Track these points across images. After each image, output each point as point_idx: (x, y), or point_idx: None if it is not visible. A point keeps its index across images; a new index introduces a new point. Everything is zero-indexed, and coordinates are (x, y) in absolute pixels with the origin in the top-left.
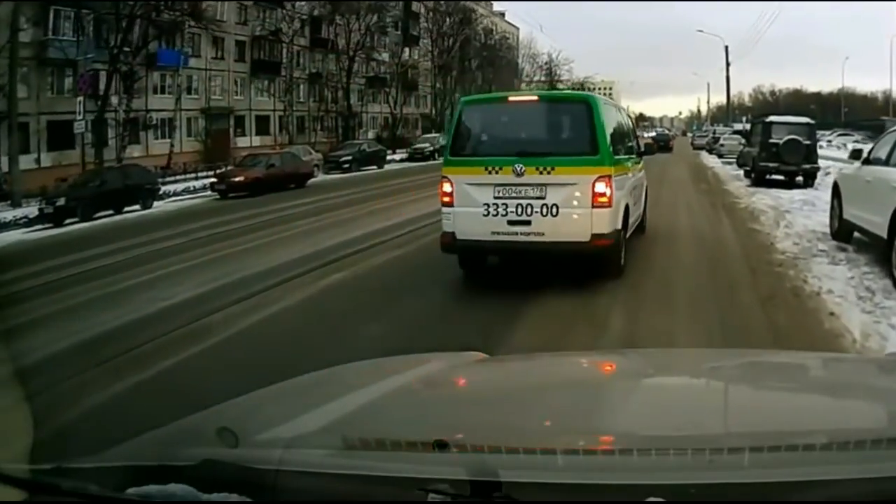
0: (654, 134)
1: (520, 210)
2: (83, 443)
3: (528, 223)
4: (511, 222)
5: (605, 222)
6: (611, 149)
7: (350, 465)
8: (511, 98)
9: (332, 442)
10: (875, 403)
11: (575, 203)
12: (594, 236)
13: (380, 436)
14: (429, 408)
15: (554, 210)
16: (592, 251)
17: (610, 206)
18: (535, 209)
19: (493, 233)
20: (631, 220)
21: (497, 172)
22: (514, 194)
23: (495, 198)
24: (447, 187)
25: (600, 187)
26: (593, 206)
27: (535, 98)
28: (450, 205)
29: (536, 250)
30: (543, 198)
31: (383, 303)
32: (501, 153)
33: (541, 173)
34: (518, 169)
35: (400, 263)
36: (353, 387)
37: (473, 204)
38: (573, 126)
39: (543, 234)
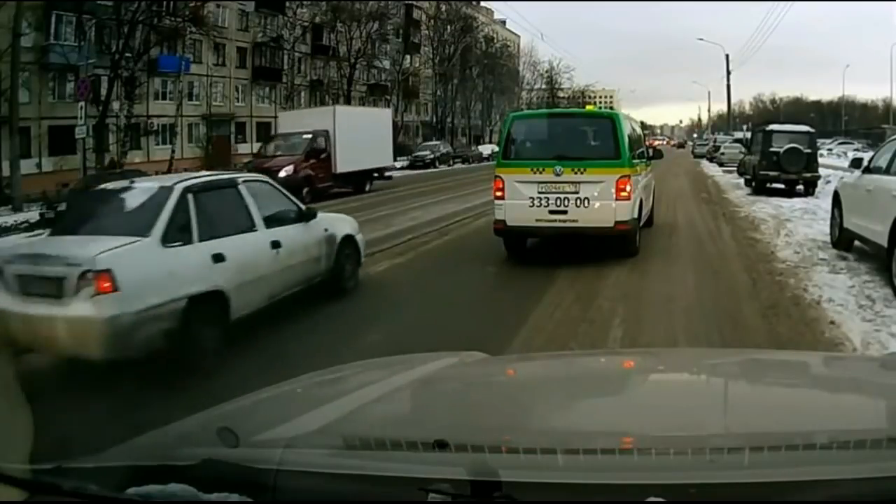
0: (672, 140)
1: (558, 202)
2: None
3: (564, 212)
4: (551, 211)
5: (625, 212)
6: (629, 154)
7: (350, 465)
8: (551, 113)
9: (332, 442)
10: (875, 403)
11: (602, 196)
12: (617, 223)
13: (380, 436)
14: (429, 408)
15: (586, 202)
16: (615, 234)
17: (629, 199)
18: (570, 201)
19: (537, 220)
20: (643, 212)
21: (540, 172)
22: (553, 190)
23: (538, 192)
24: (500, 184)
25: (622, 184)
26: (616, 199)
27: (571, 114)
28: (501, 198)
29: (571, 233)
30: (577, 192)
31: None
32: (544, 157)
33: (575, 173)
34: (557, 170)
35: (402, 271)
36: (353, 387)
37: (521, 197)
38: (600, 136)
39: (577, 221)
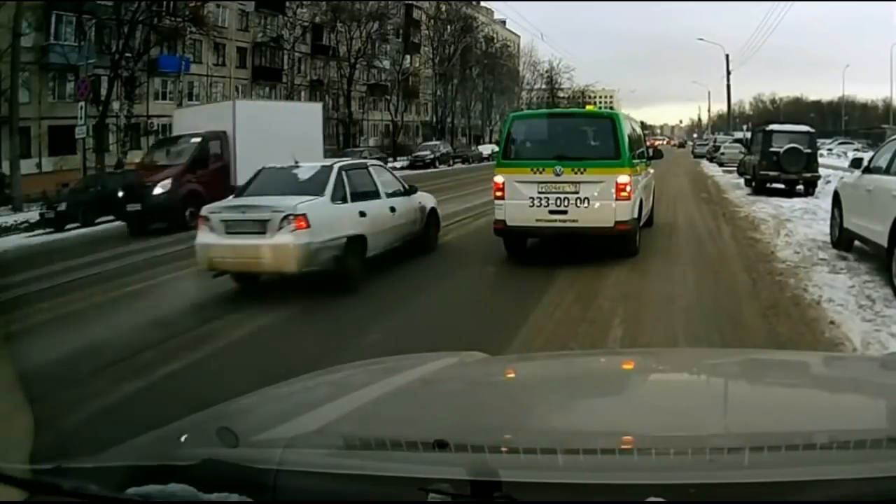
0: (672, 140)
1: (558, 202)
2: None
3: (564, 212)
4: (551, 212)
5: (625, 212)
6: (629, 154)
7: (350, 465)
8: (551, 113)
9: (332, 442)
10: (875, 402)
11: (602, 196)
12: (617, 223)
13: (380, 436)
14: (429, 408)
15: (586, 202)
16: (615, 234)
17: (629, 199)
18: (570, 201)
19: (537, 220)
20: (644, 212)
21: (540, 172)
22: (553, 190)
23: (538, 192)
24: (500, 184)
25: (622, 184)
26: (616, 199)
27: (571, 114)
28: (501, 198)
29: (571, 233)
30: (577, 192)
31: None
32: (544, 157)
33: (575, 173)
34: (557, 170)
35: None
36: (353, 387)
37: (521, 197)
38: (600, 136)
39: (577, 221)
